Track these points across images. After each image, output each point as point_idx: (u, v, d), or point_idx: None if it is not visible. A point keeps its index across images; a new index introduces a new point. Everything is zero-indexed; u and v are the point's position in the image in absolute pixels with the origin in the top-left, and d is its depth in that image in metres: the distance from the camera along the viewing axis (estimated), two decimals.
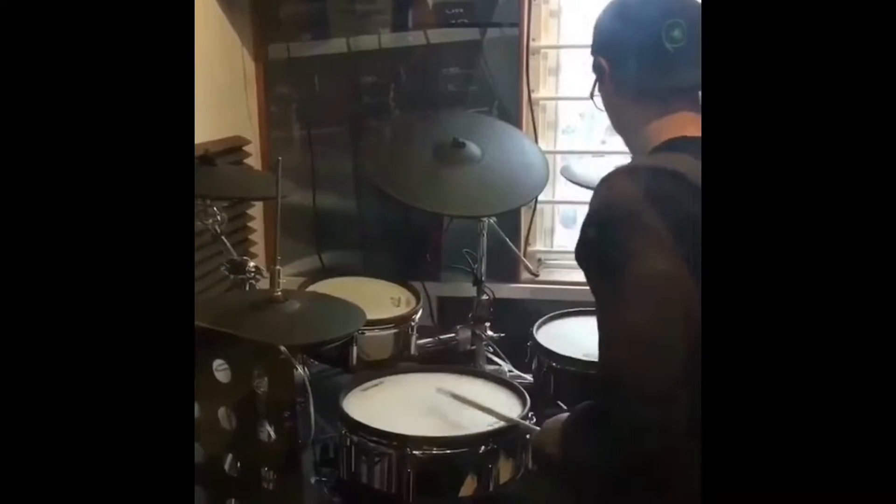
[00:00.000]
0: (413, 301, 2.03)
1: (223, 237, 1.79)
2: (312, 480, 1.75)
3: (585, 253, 1.09)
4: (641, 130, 1.18)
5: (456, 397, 1.60)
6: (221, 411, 1.04)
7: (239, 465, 1.07)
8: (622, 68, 1.19)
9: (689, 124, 1.13)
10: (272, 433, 1.02)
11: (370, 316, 1.65)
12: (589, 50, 1.25)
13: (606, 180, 1.09)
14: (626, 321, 1.02)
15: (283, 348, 0.97)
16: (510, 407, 1.62)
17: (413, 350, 1.95)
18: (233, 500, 1.11)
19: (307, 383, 1.44)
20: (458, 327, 2.11)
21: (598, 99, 1.25)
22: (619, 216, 1.04)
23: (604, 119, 1.28)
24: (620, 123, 1.25)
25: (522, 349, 1.98)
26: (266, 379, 1.00)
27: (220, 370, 1.08)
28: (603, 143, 2.43)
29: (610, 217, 1.05)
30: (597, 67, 1.22)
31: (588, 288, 1.10)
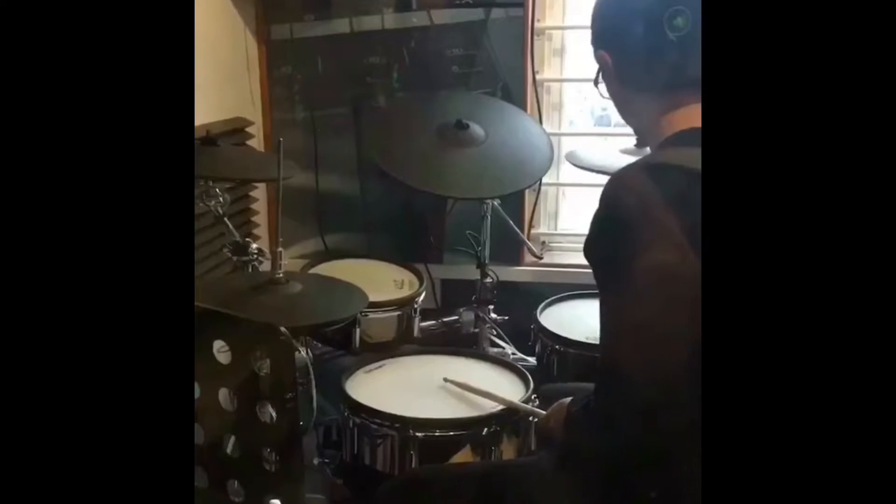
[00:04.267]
0: (416, 283, 2.03)
1: (226, 219, 1.78)
2: (315, 462, 1.76)
3: (593, 249, 1.08)
4: (650, 122, 1.16)
5: (464, 387, 1.60)
6: (222, 393, 1.03)
7: (240, 446, 1.07)
8: (625, 61, 1.16)
9: (698, 115, 1.11)
10: (274, 415, 1.01)
11: (373, 298, 1.65)
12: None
13: (616, 177, 1.07)
14: (631, 317, 1.02)
15: (283, 329, 0.96)
16: (513, 389, 1.62)
17: (416, 332, 1.95)
18: (235, 483, 1.11)
19: (309, 365, 1.44)
20: (462, 310, 2.11)
21: (603, 87, 1.22)
22: (628, 214, 1.03)
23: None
24: (627, 114, 1.24)
25: (526, 332, 1.98)
26: (268, 360, 0.99)
27: (222, 352, 1.07)
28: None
29: (618, 215, 1.04)
30: (599, 60, 1.20)
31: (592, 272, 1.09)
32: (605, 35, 1.19)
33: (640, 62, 1.14)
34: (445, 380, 1.63)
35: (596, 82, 1.23)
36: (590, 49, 1.22)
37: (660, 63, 1.12)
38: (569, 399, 1.22)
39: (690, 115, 1.11)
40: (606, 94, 1.23)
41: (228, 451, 1.09)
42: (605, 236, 1.06)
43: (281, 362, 0.98)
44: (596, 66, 1.22)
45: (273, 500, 1.05)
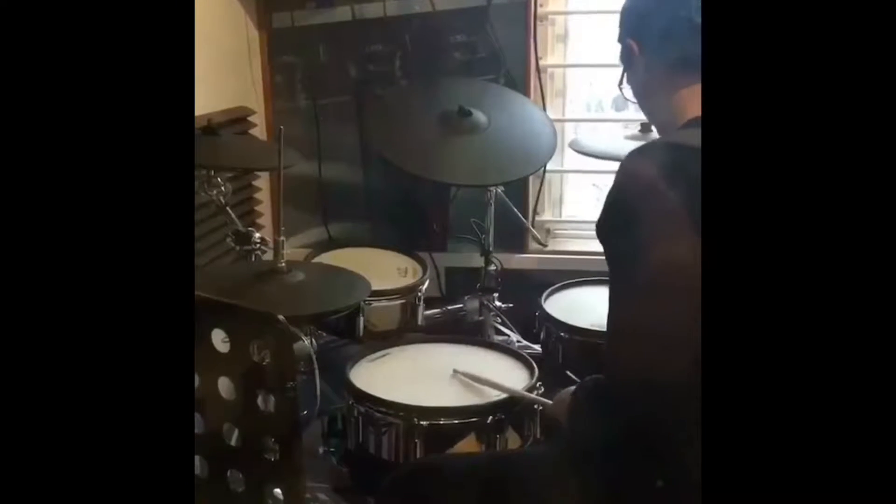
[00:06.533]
0: (420, 271, 2.03)
1: (228, 208, 1.78)
2: (320, 451, 1.76)
3: (605, 229, 1.07)
4: (671, 108, 1.16)
5: (474, 378, 1.59)
6: (223, 382, 1.03)
7: (242, 436, 1.06)
8: (652, 46, 1.17)
9: None
10: (274, 404, 1.01)
11: (377, 286, 1.65)
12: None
13: (630, 157, 1.06)
14: (635, 307, 1.01)
15: (281, 318, 0.95)
16: (518, 377, 1.62)
17: (420, 321, 1.95)
18: (240, 475, 1.10)
19: (313, 354, 1.44)
20: (466, 298, 2.11)
21: (627, 89, 1.24)
22: (639, 194, 1.02)
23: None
24: (650, 106, 1.24)
25: (531, 319, 1.97)
26: (268, 349, 0.99)
27: (225, 341, 1.07)
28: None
29: (630, 195, 1.03)
30: (625, 52, 1.21)
31: (597, 258, 1.08)
32: (634, 24, 1.20)
33: (667, 46, 1.14)
34: (455, 371, 1.63)
35: (620, 84, 1.24)
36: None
37: (685, 46, 1.11)
38: (573, 387, 1.21)
39: None
40: (631, 97, 1.24)
41: (232, 442, 1.08)
42: (613, 218, 1.05)
43: (281, 351, 0.98)
44: (621, 69, 1.22)
45: (275, 490, 1.05)
